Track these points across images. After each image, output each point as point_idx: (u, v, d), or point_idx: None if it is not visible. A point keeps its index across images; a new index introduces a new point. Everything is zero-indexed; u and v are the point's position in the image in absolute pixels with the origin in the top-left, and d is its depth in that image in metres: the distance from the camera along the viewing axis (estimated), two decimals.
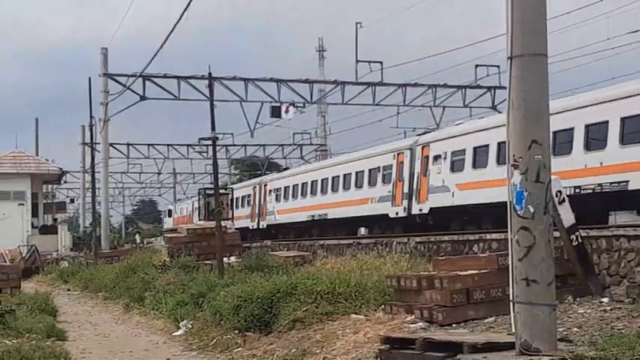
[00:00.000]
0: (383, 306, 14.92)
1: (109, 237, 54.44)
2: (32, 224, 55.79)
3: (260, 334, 15.96)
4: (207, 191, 33.08)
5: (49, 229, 57.57)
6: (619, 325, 10.84)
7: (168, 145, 73.17)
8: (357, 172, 37.32)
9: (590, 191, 22.74)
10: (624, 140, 22.04)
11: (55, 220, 66.53)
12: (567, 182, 19.69)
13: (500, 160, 25.36)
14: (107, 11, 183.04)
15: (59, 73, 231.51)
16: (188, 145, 72.09)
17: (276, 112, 50.11)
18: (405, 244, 23.60)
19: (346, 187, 38.12)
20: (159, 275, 26.32)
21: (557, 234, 12.92)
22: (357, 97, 50.24)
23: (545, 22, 9.51)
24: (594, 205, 22.10)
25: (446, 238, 22.46)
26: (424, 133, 36.51)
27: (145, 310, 23.31)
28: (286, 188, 46.46)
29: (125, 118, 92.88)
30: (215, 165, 27.42)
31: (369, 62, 47.25)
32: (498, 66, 47.02)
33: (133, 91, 46.44)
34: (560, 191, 13.82)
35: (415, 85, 50.71)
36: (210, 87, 28.22)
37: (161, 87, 46.85)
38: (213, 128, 25.79)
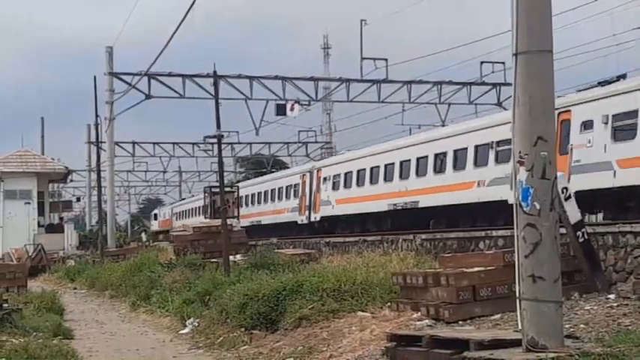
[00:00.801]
0: (389, 303, 14.91)
1: (115, 235, 54.50)
2: (38, 223, 55.83)
3: (266, 331, 15.96)
4: (213, 189, 33.09)
5: (55, 228, 57.64)
6: (626, 322, 10.83)
7: (173, 143, 73.26)
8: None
9: None
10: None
11: (61, 218, 66.62)
12: None
13: (359, 183, 36.82)
14: (112, 10, 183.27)
15: (65, 72, 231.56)
16: (193, 144, 72.17)
17: (281, 110, 50.09)
18: (411, 241, 23.58)
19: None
20: (165, 273, 26.33)
21: (563, 230, 12.91)
22: (362, 94, 50.21)
23: (550, 19, 9.50)
24: None
25: (452, 235, 22.45)
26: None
27: (151, 309, 23.33)
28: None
29: (130, 116, 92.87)
30: (220, 163, 27.41)
31: (374, 59, 47.22)
32: (504, 62, 46.99)
33: (138, 89, 46.51)
34: (565, 187, 13.81)
35: (420, 82, 50.65)
36: (216, 85, 28.23)
37: (166, 85, 46.89)
38: (218, 126, 25.78)
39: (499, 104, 50.01)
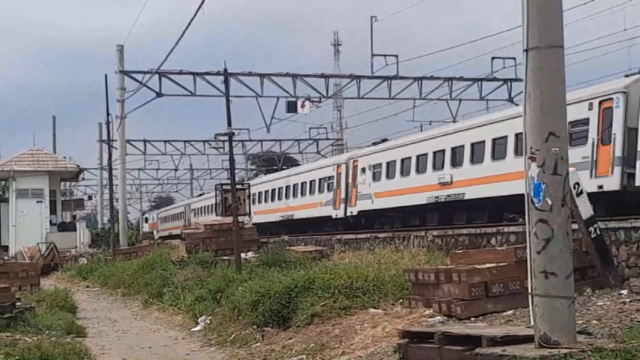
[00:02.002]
0: (401, 300, 14.91)
1: (127, 233, 54.62)
2: (51, 221, 55.97)
3: (278, 329, 15.98)
4: (225, 186, 33.11)
5: (67, 227, 57.77)
6: (638, 317, 10.78)
7: (184, 141, 73.38)
8: None
9: None
10: None
11: (74, 217, 66.77)
12: None
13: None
14: (123, 9, 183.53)
15: (76, 71, 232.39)
16: (205, 141, 72.29)
17: (292, 107, 50.13)
18: (423, 237, 23.57)
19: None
20: (177, 271, 26.39)
21: (575, 226, 12.87)
22: (372, 90, 50.23)
23: (561, 14, 9.46)
24: None
25: (464, 231, 22.44)
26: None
27: (163, 306, 23.37)
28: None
29: (142, 114, 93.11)
30: (232, 160, 27.46)
31: (385, 56, 47.23)
32: (514, 58, 46.94)
33: (149, 87, 46.61)
34: (577, 183, 13.77)
35: (431, 78, 50.64)
36: (226, 83, 28.25)
37: (177, 83, 46.98)
38: (229, 124, 25.81)
39: (510, 100, 49.93)
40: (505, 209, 28.42)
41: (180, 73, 46.50)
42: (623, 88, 22.97)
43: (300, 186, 46.30)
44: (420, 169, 32.80)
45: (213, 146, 69.39)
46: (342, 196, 39.54)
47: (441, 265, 15.91)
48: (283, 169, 59.76)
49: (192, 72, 46.76)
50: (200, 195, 78.57)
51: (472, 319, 12.92)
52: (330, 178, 41.66)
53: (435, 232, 23.51)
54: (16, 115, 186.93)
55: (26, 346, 14.35)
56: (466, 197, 29.27)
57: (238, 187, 29.46)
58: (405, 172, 33.95)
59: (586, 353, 8.55)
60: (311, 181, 44.65)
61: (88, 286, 35.59)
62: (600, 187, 22.62)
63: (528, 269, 9.42)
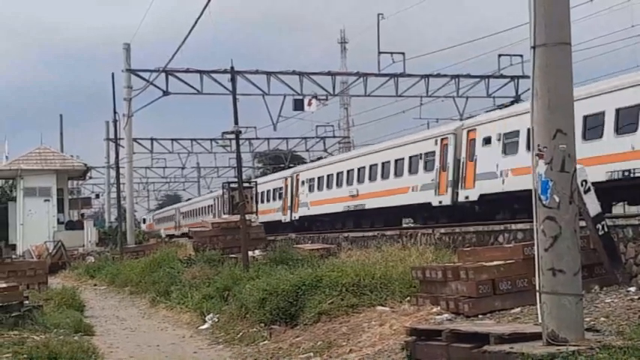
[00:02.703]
0: (408, 298, 14.91)
1: (135, 232, 54.67)
2: (58, 220, 56.01)
3: (286, 326, 15.99)
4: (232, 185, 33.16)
5: (74, 225, 57.81)
6: None
7: (191, 139, 73.39)
8: None
9: None
10: None
11: (81, 215, 66.86)
12: None
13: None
14: (130, 7, 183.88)
15: (83, 69, 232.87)
16: (212, 140, 72.30)
17: (298, 105, 50.12)
18: (430, 235, 23.55)
19: None
20: (184, 269, 26.41)
21: (582, 223, 12.85)
22: (379, 88, 50.15)
23: (568, 11, 9.45)
24: None
25: (471, 229, 22.41)
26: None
27: (171, 304, 23.39)
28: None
29: (149, 113, 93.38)
30: (239, 159, 27.45)
31: (392, 53, 47.14)
32: (521, 55, 46.84)
33: (156, 86, 46.59)
34: (585, 180, 13.74)
35: (438, 75, 50.54)
36: (233, 81, 28.26)
37: (184, 82, 46.95)
38: (236, 122, 25.82)
39: (517, 97, 49.83)
40: (400, 215, 36.35)
41: (187, 71, 46.48)
42: (454, 130, 31.29)
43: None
44: (338, 184, 41.02)
45: (220, 144, 69.49)
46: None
47: (449, 263, 15.90)
48: (291, 167, 59.77)
49: (199, 70, 46.74)
50: (188, 200, 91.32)
51: (480, 316, 12.92)
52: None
53: (443, 230, 23.48)
54: (16, 115, 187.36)
55: (34, 345, 14.38)
56: (366, 207, 37.33)
57: (245, 185, 29.48)
58: (329, 186, 42.26)
59: (594, 350, 8.55)
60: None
61: (95, 285, 35.63)
62: (440, 202, 31.31)
63: (536, 266, 9.41)
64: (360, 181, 38.71)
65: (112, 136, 55.57)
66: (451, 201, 31.03)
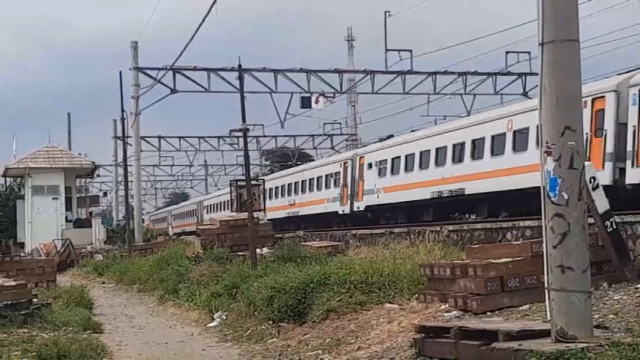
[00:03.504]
0: (417, 295, 14.90)
1: (142, 230, 54.73)
2: (66, 218, 56.08)
3: (294, 324, 16.00)
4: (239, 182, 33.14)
5: (83, 223, 57.88)
6: None
7: (199, 137, 73.49)
8: None
9: None
10: None
11: (90, 213, 66.97)
12: None
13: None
14: (137, 6, 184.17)
15: (91, 68, 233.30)
16: (219, 137, 72.39)
17: (306, 103, 50.15)
18: (438, 232, 23.53)
19: None
20: (192, 267, 26.43)
21: (591, 220, 12.83)
22: (387, 86, 50.16)
23: (576, 8, 9.44)
24: None
25: (479, 226, 22.38)
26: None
27: (179, 302, 23.43)
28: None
29: (156, 111, 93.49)
30: (246, 156, 27.46)
31: (399, 51, 47.12)
32: (529, 52, 46.84)
33: (163, 84, 46.67)
34: (593, 177, 13.72)
35: (445, 72, 50.51)
36: (241, 79, 28.28)
37: (191, 80, 47.02)
38: (243, 120, 25.84)
39: (525, 94, 49.78)
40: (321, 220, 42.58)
41: (195, 69, 46.54)
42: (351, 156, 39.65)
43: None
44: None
45: (227, 142, 69.52)
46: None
47: (457, 260, 15.88)
48: (299, 164, 59.88)
49: (206, 68, 46.80)
50: (179, 203, 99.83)
51: (488, 313, 12.91)
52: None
53: (451, 227, 23.46)
54: (16, 114, 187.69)
55: (43, 342, 14.43)
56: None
57: (253, 182, 29.49)
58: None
59: (603, 347, 8.54)
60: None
61: (103, 283, 35.71)
62: (343, 210, 40.31)
63: (545, 263, 9.41)
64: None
65: (119, 134, 55.67)
66: (350, 210, 40.15)
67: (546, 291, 9.42)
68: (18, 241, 55.36)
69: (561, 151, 9.17)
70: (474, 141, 30.55)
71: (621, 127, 23.30)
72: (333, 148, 71.59)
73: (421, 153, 34.19)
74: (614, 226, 14.27)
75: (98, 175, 77.56)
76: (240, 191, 30.06)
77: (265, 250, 27.73)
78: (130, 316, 22.69)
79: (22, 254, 43.36)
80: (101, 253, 48.01)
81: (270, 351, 14.62)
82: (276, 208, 50.25)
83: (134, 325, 20.66)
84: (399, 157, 36.18)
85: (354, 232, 30.48)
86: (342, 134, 74.55)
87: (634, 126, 22.72)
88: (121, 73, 47.05)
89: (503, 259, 13.87)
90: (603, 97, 24.43)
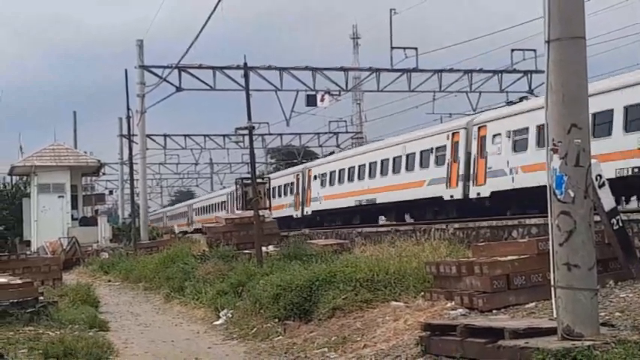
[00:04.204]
0: (422, 293, 14.88)
1: (148, 228, 54.78)
2: (72, 216, 56.16)
3: (300, 322, 15.99)
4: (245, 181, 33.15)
5: (88, 221, 57.96)
6: None
7: (204, 135, 73.59)
8: None
9: None
10: None
11: (95, 212, 67.06)
12: None
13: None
14: (137, 5, 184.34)
15: (91, 68, 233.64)
16: (224, 135, 72.51)
17: (311, 101, 50.21)
18: (444, 230, 23.54)
19: None
20: (198, 265, 26.43)
21: (597, 218, 12.82)
22: (392, 83, 50.21)
23: (582, 5, 9.43)
24: None
25: (484, 223, 22.39)
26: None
27: (185, 300, 23.44)
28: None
29: (162, 109, 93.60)
30: (252, 154, 27.46)
31: (404, 48, 47.15)
32: (535, 50, 46.82)
33: (169, 82, 46.76)
34: (599, 175, 13.70)
35: (451, 70, 50.53)
36: (246, 77, 28.25)
37: (197, 78, 47.09)
38: (249, 118, 25.84)
39: (531, 92, 49.73)
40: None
41: (200, 67, 46.61)
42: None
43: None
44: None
45: (233, 140, 69.59)
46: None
47: (463, 258, 15.87)
48: (304, 162, 59.94)
49: (211, 66, 46.85)
50: (172, 204, 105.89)
51: (494, 311, 12.90)
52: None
53: (457, 225, 23.49)
54: (15, 114, 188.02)
55: (49, 340, 14.45)
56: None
57: (259, 181, 29.51)
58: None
59: (609, 345, 8.54)
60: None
61: (109, 281, 35.71)
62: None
63: (551, 261, 9.40)
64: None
65: (125, 132, 55.73)
66: (301, 214, 49.01)
67: (552, 289, 9.41)
68: (24, 239, 55.42)
69: (567, 148, 9.16)
70: (382, 161, 40.08)
71: (469, 155, 32.28)
72: (338, 146, 71.60)
73: (348, 169, 43.72)
74: (621, 224, 14.26)
75: (104, 174, 77.64)
76: (245, 189, 30.03)
77: (271, 248, 27.74)
78: (135, 314, 22.71)
79: (28, 252, 43.43)
80: (107, 251, 48.02)
81: (276, 349, 14.62)
82: None
83: (140, 323, 20.67)
84: (334, 171, 45.74)
85: (359, 229, 30.49)
86: (347, 132, 74.62)
87: (474, 155, 31.90)
88: (126, 71, 47.08)
89: (509, 257, 13.85)
90: (458, 132, 33.30)
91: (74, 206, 57.15)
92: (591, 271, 9.19)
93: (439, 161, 34.75)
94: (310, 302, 16.13)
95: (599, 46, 37.97)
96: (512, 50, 48.34)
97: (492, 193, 30.82)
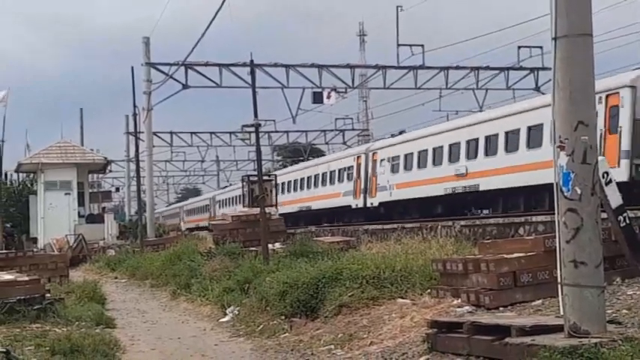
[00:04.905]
0: (429, 290, 14.87)
1: (155, 225, 54.86)
2: (79, 213, 56.28)
3: (306, 319, 15.99)
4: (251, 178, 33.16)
5: (95, 218, 58.10)
6: None
7: (211, 132, 73.62)
8: None
9: None
10: None
11: (103, 209, 67.17)
12: None
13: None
14: (148, 3, 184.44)
15: (103, 63, 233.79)
16: (231, 133, 72.55)
17: (317, 98, 50.22)
18: (450, 227, 23.52)
19: None
20: (205, 262, 26.46)
21: (604, 215, 12.80)
22: (398, 81, 50.16)
23: (589, 2, 9.41)
24: None
25: (491, 221, 22.38)
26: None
27: (191, 297, 23.45)
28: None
29: (168, 106, 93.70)
30: (258, 151, 27.49)
31: (411, 46, 47.12)
32: (541, 47, 46.75)
33: (175, 79, 46.81)
34: (606, 172, 13.68)
35: (457, 67, 50.49)
36: (252, 74, 28.28)
37: (203, 75, 47.12)
38: (255, 115, 25.85)
39: (537, 89, 49.68)
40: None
41: (207, 64, 46.64)
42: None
43: None
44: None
45: (239, 137, 69.61)
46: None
47: (469, 255, 15.85)
48: (310, 159, 59.98)
49: (218, 63, 46.89)
50: (168, 205, 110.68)
51: (501, 308, 12.88)
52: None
53: (463, 222, 23.47)
54: (22, 112, 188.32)
55: (56, 337, 14.47)
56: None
57: (265, 178, 29.52)
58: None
59: (616, 343, 8.52)
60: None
61: (116, 278, 35.76)
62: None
63: (558, 258, 9.39)
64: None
65: (131, 129, 55.80)
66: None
67: (559, 286, 9.40)
68: (31, 236, 55.59)
69: (574, 145, 9.15)
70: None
71: (367, 174, 43.08)
72: (344, 143, 71.61)
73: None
74: (628, 221, 14.23)
75: (110, 171, 77.74)
76: (252, 186, 30.04)
77: (277, 245, 27.74)
78: (142, 311, 22.73)
79: (34, 249, 43.51)
80: (113, 248, 48.12)
81: (283, 346, 14.63)
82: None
83: (147, 320, 20.69)
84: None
85: (365, 227, 30.50)
86: (353, 129, 74.56)
87: (370, 174, 42.87)
88: (133, 68, 47.10)
89: (516, 255, 13.83)
90: (360, 156, 44.47)
91: (81, 203, 57.28)
92: (598, 269, 9.18)
93: (349, 177, 45.43)
94: (316, 299, 16.13)
95: (604, 44, 37.92)
96: (519, 47, 48.28)
97: (380, 203, 41.43)
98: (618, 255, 14.13)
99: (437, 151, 35.30)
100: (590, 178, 9.17)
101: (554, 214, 9.56)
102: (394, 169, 39.90)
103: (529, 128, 29.29)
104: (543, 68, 48.11)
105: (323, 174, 49.55)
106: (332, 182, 47.95)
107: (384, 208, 41.17)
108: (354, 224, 35.74)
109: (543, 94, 41.92)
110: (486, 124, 32.63)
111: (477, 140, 32.74)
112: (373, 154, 42.75)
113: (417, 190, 36.84)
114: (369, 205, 42.66)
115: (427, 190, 35.43)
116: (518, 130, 30.03)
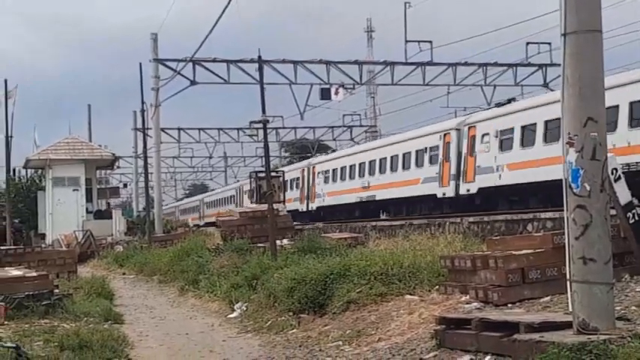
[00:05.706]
0: (437, 286, 14.87)
1: (163, 221, 54.90)
2: (87, 209, 56.33)
3: (314, 315, 16.01)
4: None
5: (103, 214, 58.13)
6: None
7: (218, 129, 73.54)
8: None
9: None
10: None
11: (108, 204, 67.22)
12: None
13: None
14: (150, 1, 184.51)
15: (103, 63, 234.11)
16: (239, 129, 72.41)
17: (325, 94, 50.11)
18: (458, 224, 23.49)
19: None
20: (213, 258, 26.50)
21: (613, 212, 12.76)
22: (406, 77, 50.02)
23: None
24: None
25: (499, 217, 22.34)
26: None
27: (199, 293, 23.49)
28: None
29: (176, 102, 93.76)
30: (266, 148, 27.50)
31: (419, 42, 46.92)
32: (550, 43, 46.58)
33: (183, 75, 46.71)
34: (616, 168, 13.64)
35: (465, 64, 50.33)
36: (260, 70, 28.25)
37: (211, 71, 47.05)
38: (263, 111, 25.85)
39: (545, 85, 49.56)
40: None
41: (214, 61, 46.58)
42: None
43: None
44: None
45: (247, 134, 69.53)
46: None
47: (478, 252, 15.84)
48: (317, 155, 59.93)
49: (226, 60, 46.82)
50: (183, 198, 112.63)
51: (509, 305, 12.87)
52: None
53: (471, 219, 23.43)
54: (30, 108, 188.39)
55: (65, 333, 14.53)
56: None
57: (273, 174, 29.49)
58: None
59: (625, 339, 8.51)
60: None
61: (124, 274, 35.82)
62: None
63: (567, 255, 9.37)
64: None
65: (139, 125, 55.82)
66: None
67: (568, 283, 9.39)
68: (39, 232, 55.67)
69: (584, 142, 9.13)
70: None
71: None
72: (352, 139, 71.52)
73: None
74: (637, 218, 14.19)
75: (118, 167, 77.73)
76: (259, 183, 30.04)
77: (285, 241, 27.75)
78: (150, 306, 22.77)
79: (43, 245, 43.61)
80: (121, 244, 48.19)
81: (291, 342, 14.64)
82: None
83: (155, 315, 20.73)
84: None
85: (373, 223, 30.48)
86: (361, 126, 74.41)
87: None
88: (140, 64, 47.17)
89: (525, 251, 13.81)
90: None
91: (89, 199, 57.34)
92: (607, 265, 9.17)
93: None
94: (325, 296, 16.14)
95: (607, 42, 37.80)
96: (528, 43, 48.10)
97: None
98: (627, 252, 14.08)
99: None
100: (600, 175, 9.16)
101: (563, 210, 9.54)
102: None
103: (404, 155, 39.61)
104: (552, 64, 47.95)
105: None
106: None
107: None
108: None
109: (552, 90, 41.78)
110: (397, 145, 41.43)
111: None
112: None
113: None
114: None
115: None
116: (397, 156, 40.31)
